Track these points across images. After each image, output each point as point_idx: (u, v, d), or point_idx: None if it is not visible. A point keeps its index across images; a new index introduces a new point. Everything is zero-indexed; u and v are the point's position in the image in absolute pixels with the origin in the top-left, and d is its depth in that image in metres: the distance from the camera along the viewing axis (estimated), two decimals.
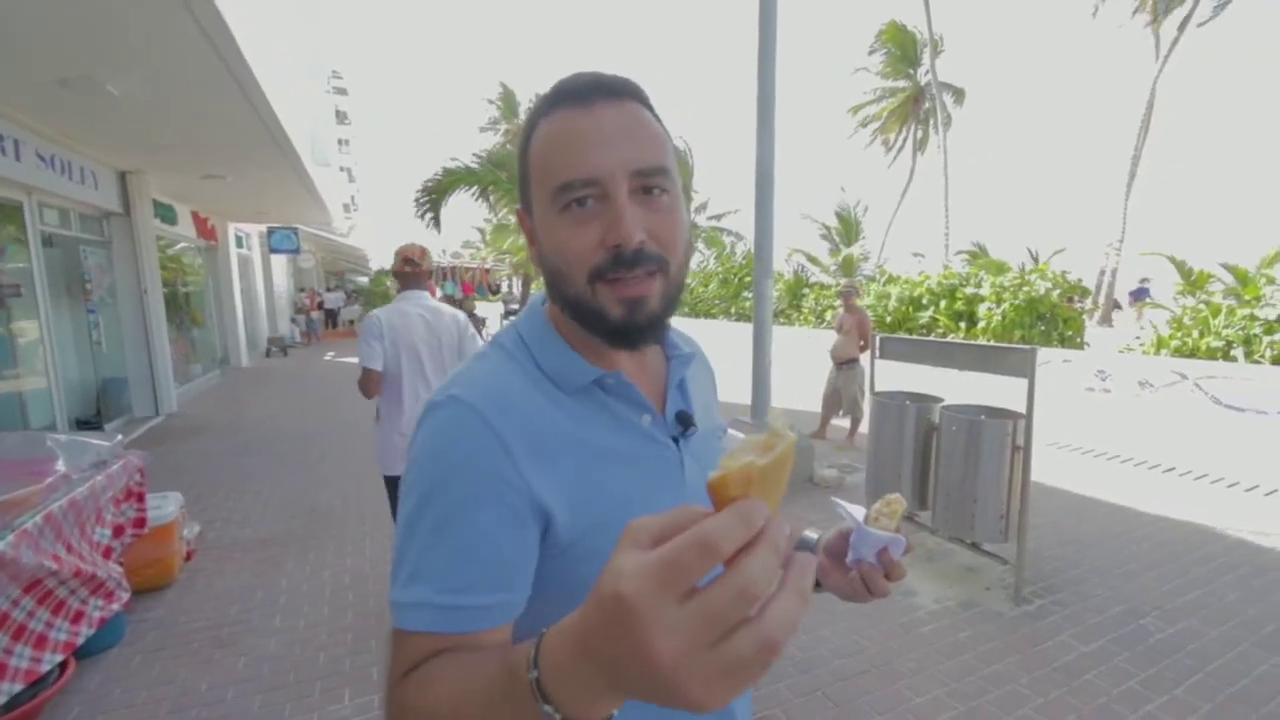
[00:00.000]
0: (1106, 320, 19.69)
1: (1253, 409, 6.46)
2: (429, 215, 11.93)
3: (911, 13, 25.47)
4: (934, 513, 3.37)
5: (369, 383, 2.57)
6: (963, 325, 13.71)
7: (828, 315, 16.29)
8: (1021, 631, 2.74)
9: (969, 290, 13.97)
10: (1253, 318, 7.80)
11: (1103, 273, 20.17)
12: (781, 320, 19.41)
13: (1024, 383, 2.92)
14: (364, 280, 30.34)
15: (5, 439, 2.65)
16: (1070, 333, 12.62)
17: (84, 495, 2.48)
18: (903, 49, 25.33)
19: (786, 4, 4.50)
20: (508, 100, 33.00)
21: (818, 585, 0.75)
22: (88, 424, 6.07)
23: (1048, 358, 10.12)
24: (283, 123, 5.50)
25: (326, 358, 13.85)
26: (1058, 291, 12.67)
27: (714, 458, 0.71)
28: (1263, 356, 7.30)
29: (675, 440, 0.67)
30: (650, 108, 0.62)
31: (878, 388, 3.93)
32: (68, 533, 2.33)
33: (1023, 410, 2.98)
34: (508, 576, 0.56)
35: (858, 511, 0.70)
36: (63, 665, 2.33)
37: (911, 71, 25.87)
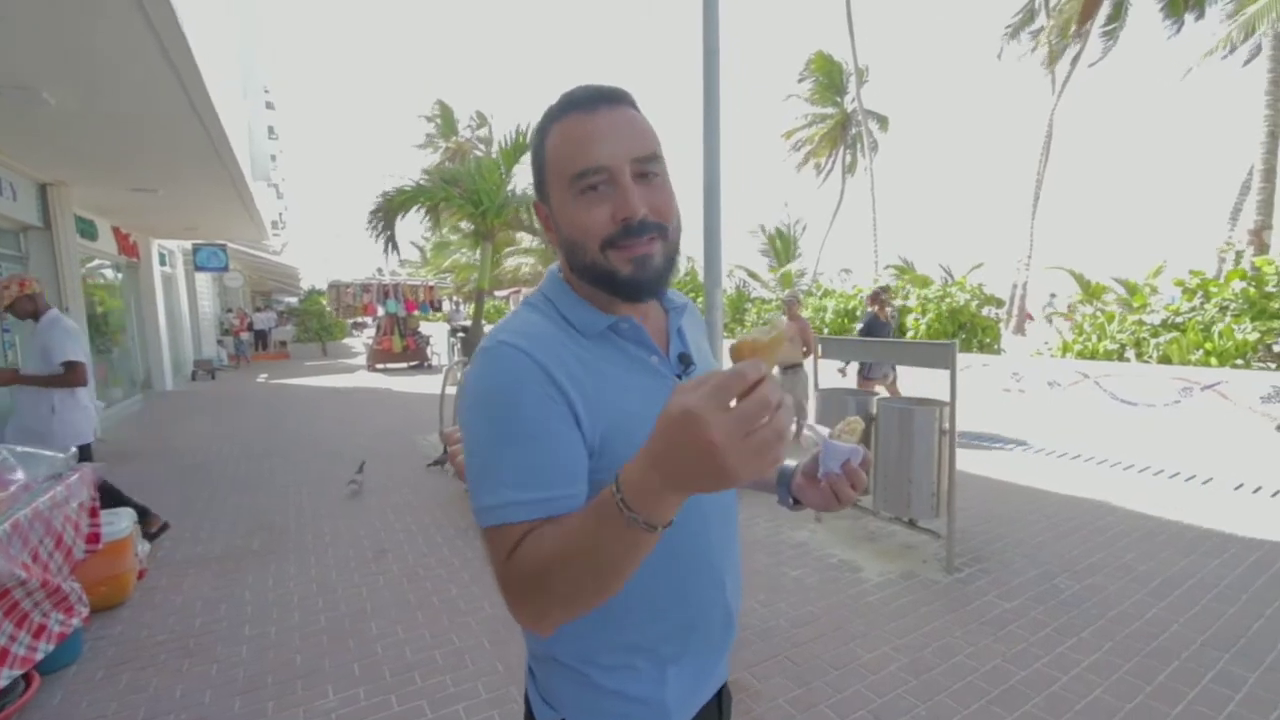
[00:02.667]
0: (1020, 329, 21.30)
1: (1143, 402, 7.27)
2: (385, 236, 11.69)
3: (838, 44, 27.02)
4: (875, 496, 3.69)
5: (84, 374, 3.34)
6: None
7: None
8: (954, 595, 3.05)
9: (898, 302, 14.88)
10: (1141, 323, 8.73)
11: (1015, 286, 21.84)
12: (725, 334, 20.03)
13: (946, 376, 3.28)
14: (294, 300, 29.14)
15: None
16: (988, 340, 13.66)
17: (46, 505, 2.42)
18: (830, 78, 26.85)
19: (727, 24, 4.83)
20: (446, 118, 32.59)
21: (798, 502, 0.94)
22: None
23: (968, 362, 10.93)
24: (229, 138, 5.41)
25: (259, 380, 13.26)
26: (976, 303, 13.69)
27: None
28: (1150, 357, 8.18)
29: (679, 376, 0.84)
30: (638, 109, 0.78)
31: (823, 386, 4.25)
32: (34, 542, 2.29)
33: (947, 399, 3.34)
34: (572, 472, 0.69)
35: (824, 430, 0.88)
36: (26, 680, 2.27)
37: (839, 99, 27.44)
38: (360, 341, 22.62)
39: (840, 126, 27.66)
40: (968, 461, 5.43)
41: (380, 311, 15.19)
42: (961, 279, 15.32)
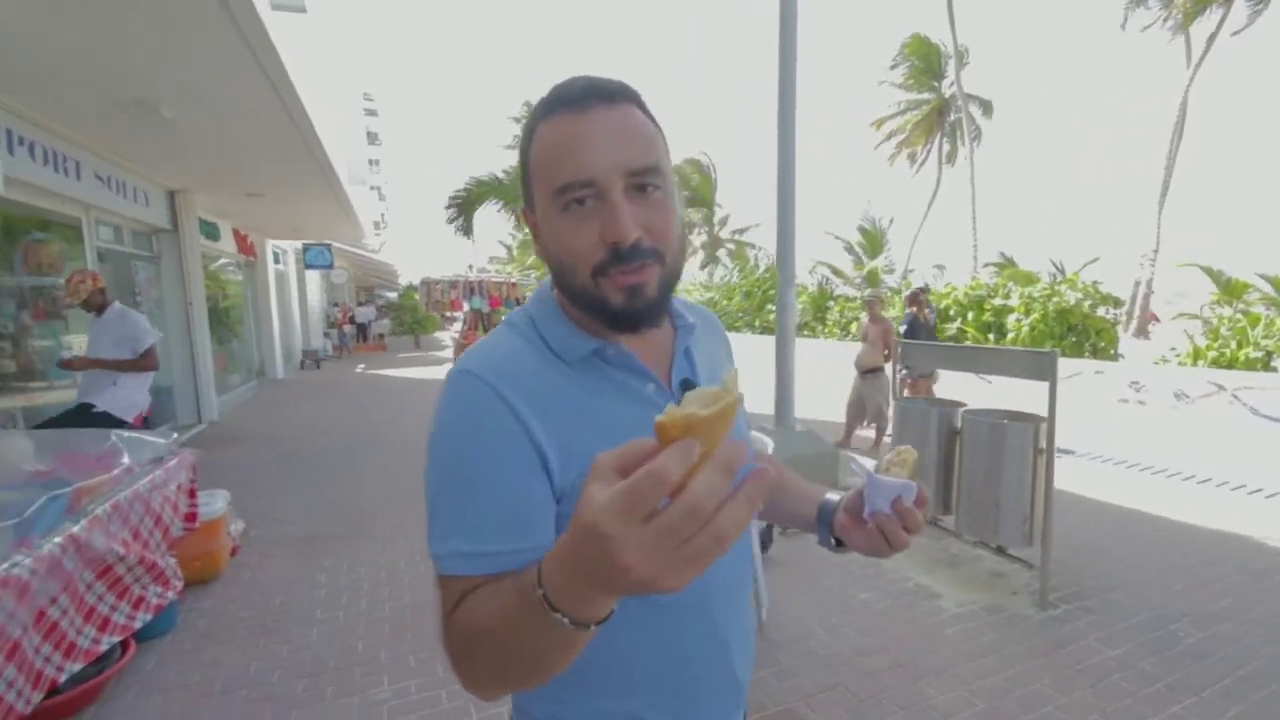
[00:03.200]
0: (1142, 332, 19.21)
1: None
2: (460, 223, 12.25)
3: (936, 25, 25.36)
4: (957, 517, 3.38)
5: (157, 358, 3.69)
6: (991, 337, 13.53)
7: (853, 328, 16.20)
8: (1046, 635, 2.73)
9: (997, 301, 13.79)
10: None
11: (1137, 283, 19.72)
12: (806, 333, 19.33)
13: (1045, 388, 2.94)
14: (393, 295, 31.04)
15: (75, 435, 2.85)
16: (1103, 344, 12.37)
17: (146, 487, 2.65)
18: (926, 62, 25.28)
19: (808, 15, 4.60)
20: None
21: (842, 544, 0.80)
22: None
23: (1079, 369, 9.94)
24: (326, 147, 5.77)
25: (358, 370, 14.22)
26: (1089, 302, 12.45)
27: None
28: None
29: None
30: (644, 108, 0.66)
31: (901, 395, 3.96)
32: (134, 521, 2.50)
33: (1045, 414, 2.99)
34: (529, 523, 0.61)
35: (869, 463, 0.75)
36: (124, 646, 2.49)
37: (936, 84, 25.80)
38: (449, 335, 23.79)
39: (937, 113, 26.00)
40: (1072, 481, 4.91)
41: (466, 307, 15.85)
42: (1073, 275, 13.98)
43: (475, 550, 0.60)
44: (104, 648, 2.35)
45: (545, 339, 0.70)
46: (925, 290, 6.77)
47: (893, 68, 26.11)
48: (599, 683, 0.69)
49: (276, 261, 13.29)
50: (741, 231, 30.72)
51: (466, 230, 12.21)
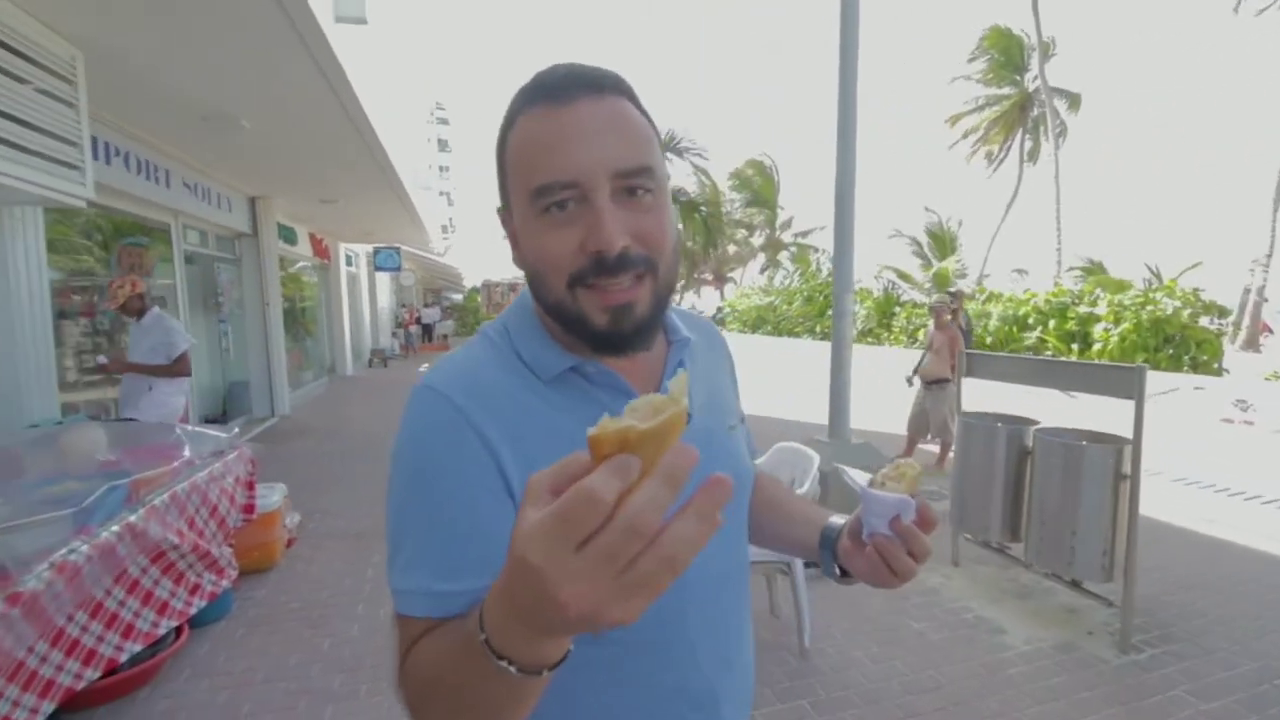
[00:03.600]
0: (1252, 345, 17.45)
1: None
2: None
3: (1018, 15, 23.97)
4: (1027, 545, 3.10)
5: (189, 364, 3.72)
6: (1075, 347, 12.61)
7: (920, 335, 15.47)
8: (1126, 682, 2.45)
9: (1083, 309, 12.85)
10: None
11: (1247, 291, 17.92)
12: (869, 340, 18.63)
13: (1131, 407, 2.65)
14: (458, 297, 32.14)
15: (141, 428, 3.03)
16: (1205, 357, 11.30)
17: (204, 480, 2.78)
18: (1007, 54, 23.94)
19: (877, 14, 4.40)
20: None
21: (847, 574, 0.70)
22: (213, 422, 6.78)
23: (1175, 384, 9.09)
24: (389, 154, 5.99)
25: (422, 369, 14.72)
26: (1189, 311, 11.39)
27: (716, 448, 0.68)
28: None
29: None
30: (636, 102, 0.59)
31: (965, 409, 3.69)
32: (190, 512, 2.62)
33: (1130, 436, 2.70)
34: (485, 560, 0.53)
35: (863, 477, 0.65)
36: (178, 631, 2.61)
37: (1018, 78, 24.37)
38: None
39: (1019, 108, 24.56)
40: (1164, 509, 4.45)
41: None
42: (1170, 282, 12.85)
43: (432, 589, 0.54)
44: (162, 631, 2.48)
45: (519, 353, 0.63)
46: (958, 295, 6.57)
47: (970, 62, 24.86)
48: None
49: (349, 264, 13.98)
50: (805, 234, 30.01)
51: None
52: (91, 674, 2.05)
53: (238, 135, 5.04)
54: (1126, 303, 11.83)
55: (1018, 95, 24.39)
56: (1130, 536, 2.71)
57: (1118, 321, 11.75)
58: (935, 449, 5.88)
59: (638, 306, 0.57)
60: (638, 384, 0.64)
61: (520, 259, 0.62)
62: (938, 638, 2.81)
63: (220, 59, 3.67)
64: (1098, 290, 13.13)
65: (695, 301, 38.45)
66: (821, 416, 4.69)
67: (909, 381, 5.89)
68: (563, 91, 0.55)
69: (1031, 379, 3.29)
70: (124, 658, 2.25)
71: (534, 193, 0.55)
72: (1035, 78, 23.08)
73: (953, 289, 7.59)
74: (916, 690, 2.42)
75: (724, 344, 0.83)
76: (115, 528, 2.13)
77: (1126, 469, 2.71)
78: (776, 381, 11.50)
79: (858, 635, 2.81)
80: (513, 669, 0.39)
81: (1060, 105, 23.15)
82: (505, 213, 0.64)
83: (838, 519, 0.73)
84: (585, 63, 0.59)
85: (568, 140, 0.54)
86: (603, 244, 0.53)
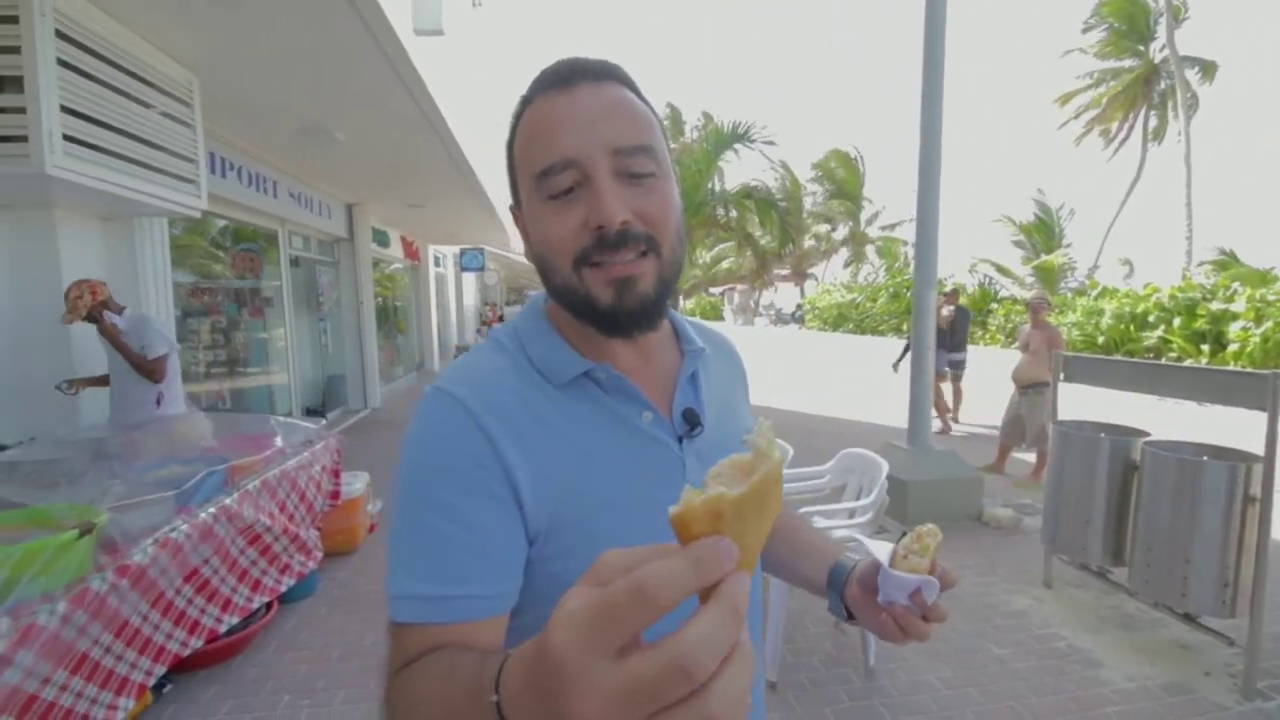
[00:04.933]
0: None
1: None
2: None
3: None
4: (1132, 571, 2.79)
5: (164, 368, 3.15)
6: (1205, 348, 11.26)
7: (1019, 334, 14.38)
8: None
9: (1215, 305, 11.45)
10: None
11: None
12: (981, 343, 17.51)
13: (1264, 419, 2.31)
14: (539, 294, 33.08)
15: (239, 418, 3.32)
16: None
17: (293, 467, 3.00)
18: (1130, 22, 21.67)
19: None
20: (675, 120, 34.06)
21: (853, 618, 0.67)
22: (314, 412, 7.35)
23: None
24: (469, 159, 6.24)
25: None
26: None
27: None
28: None
29: (680, 439, 0.63)
30: (634, 89, 0.60)
31: (1064, 416, 3.36)
32: (281, 496, 2.84)
33: (1260, 452, 2.36)
34: (497, 566, 0.54)
35: (883, 550, 0.62)
36: (269, 606, 2.84)
37: (1141, 48, 22.01)
38: None
39: (1142, 82, 22.17)
40: None
41: None
42: None
43: (431, 593, 0.53)
44: (256, 605, 2.70)
45: (531, 358, 0.63)
46: (954, 295, 7.18)
47: (1085, 32, 22.70)
48: None
49: (437, 265, 14.72)
50: (892, 227, 28.58)
51: None
52: (196, 642, 2.26)
53: (333, 147, 5.41)
54: (1270, 298, 10.42)
55: (1142, 67, 22.03)
56: (1259, 566, 2.37)
57: (1259, 320, 10.38)
58: (1031, 458, 5.43)
59: (640, 282, 0.56)
60: (650, 392, 0.63)
61: (530, 250, 0.63)
62: (1022, 666, 2.58)
63: (312, 75, 3.95)
64: (1235, 284, 11.66)
65: (773, 299, 37.56)
66: (900, 420, 4.44)
67: (895, 369, 5.90)
68: (562, 80, 0.57)
69: (1138, 384, 2.95)
70: (223, 628, 2.47)
71: (538, 176, 0.57)
72: (1163, 47, 20.76)
73: (948, 289, 7.64)
74: None
75: (737, 356, 0.81)
76: (212, 509, 2.33)
77: (1256, 490, 2.37)
78: (856, 382, 11.02)
79: (931, 658, 2.63)
80: None
81: (1192, 76, 20.69)
82: (516, 210, 0.65)
83: (847, 559, 0.71)
84: (587, 56, 0.60)
85: (568, 123, 0.55)
86: (604, 218, 0.54)
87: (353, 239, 8.45)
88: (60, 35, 2.69)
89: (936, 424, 6.59)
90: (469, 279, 19.36)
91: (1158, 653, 2.66)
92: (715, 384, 0.70)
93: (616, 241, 0.54)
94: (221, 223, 5.64)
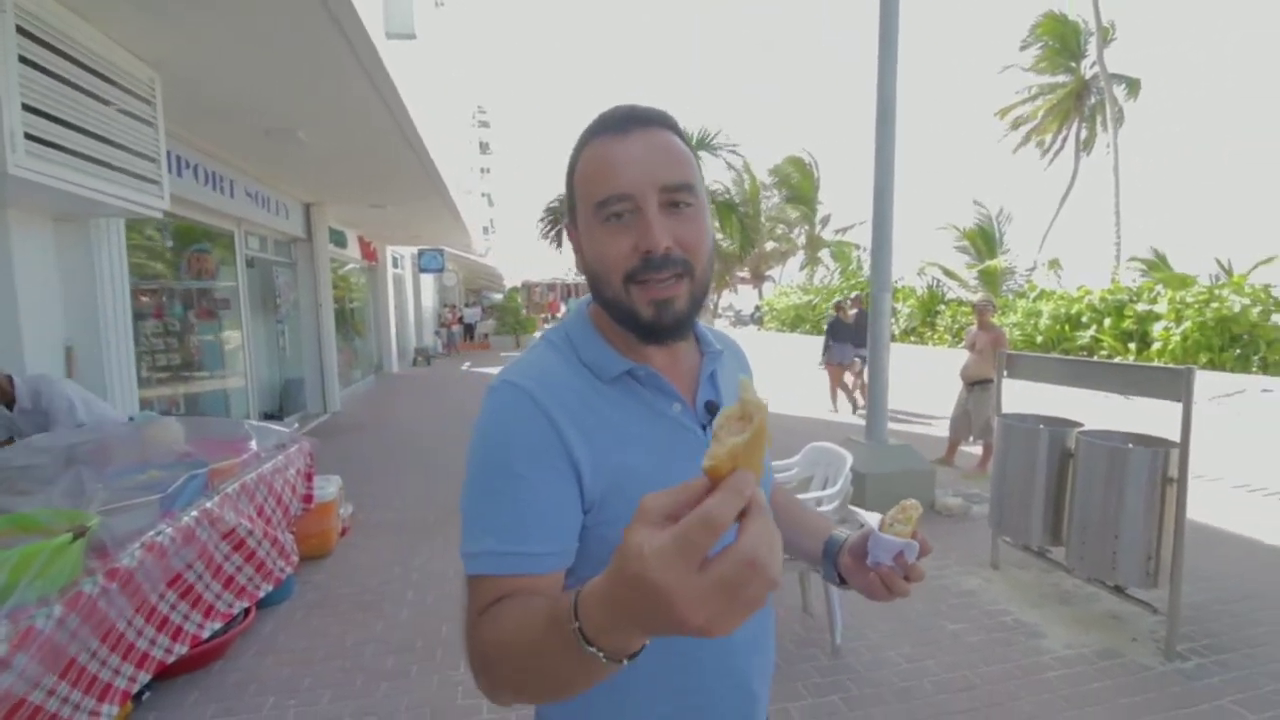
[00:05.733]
0: None
1: None
2: (553, 236, 12.83)
3: (1072, 1, 22.96)
4: (1069, 549, 3.05)
5: None
6: (1132, 347, 12.08)
7: (965, 334, 15.07)
8: (1170, 690, 2.40)
9: (1141, 307, 12.29)
10: None
11: None
12: (913, 339, 18.21)
13: (1181, 409, 2.59)
14: (498, 297, 32.76)
15: (210, 422, 3.27)
16: (1276, 358, 10.67)
17: (270, 471, 2.99)
18: (1063, 41, 22.98)
19: (926, 6, 4.36)
20: None
21: (845, 583, 0.80)
22: (271, 417, 7.17)
23: (1241, 386, 8.66)
24: (435, 161, 6.22)
25: (464, 367, 15.14)
26: (1259, 309, 10.77)
27: None
28: None
29: (704, 427, 0.75)
30: (679, 133, 0.71)
31: (1007, 410, 3.63)
32: (259, 500, 2.83)
33: (1178, 439, 2.63)
34: (558, 528, 0.64)
35: (872, 518, 0.74)
36: (246, 611, 2.82)
37: (1074, 65, 23.37)
38: None
39: (1074, 97, 23.53)
40: (1224, 516, 4.28)
41: (562, 309, 16.44)
42: (1238, 278, 12.16)
43: (507, 550, 0.63)
44: (237, 610, 2.69)
45: (581, 357, 0.74)
46: (841, 305, 8.60)
47: (1022, 49, 23.95)
48: (617, 706, 0.71)
49: (395, 266, 14.46)
50: (844, 231, 29.45)
51: (559, 241, 12.83)
52: (180, 648, 2.25)
53: (296, 147, 5.33)
54: (1189, 300, 11.27)
55: (1074, 83, 23.40)
56: (1177, 542, 2.65)
57: (1179, 320, 11.21)
58: (978, 451, 5.77)
59: (677, 301, 0.68)
60: (678, 387, 0.75)
61: (583, 263, 0.74)
62: (974, 639, 2.80)
63: (283, 77, 3.91)
64: (1158, 287, 12.54)
65: (733, 300, 38.15)
66: (861, 418, 4.67)
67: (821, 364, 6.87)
68: (620, 126, 0.68)
69: (1072, 380, 3.23)
70: (206, 634, 2.45)
71: (597, 205, 0.67)
72: (1093, 64, 22.09)
73: (838, 298, 9.36)
74: (949, 690, 2.43)
75: (744, 355, 0.94)
76: (195, 513, 2.33)
77: (1174, 472, 2.65)
78: (815, 382, 11.38)
79: (893, 636, 2.83)
80: (601, 656, 0.46)
81: (1119, 91, 22.09)
82: (571, 227, 0.76)
83: (839, 533, 0.83)
84: (639, 104, 0.72)
85: (624, 163, 0.66)
86: (651, 244, 0.65)
87: (311, 239, 8.27)
88: (21, 31, 2.63)
89: (848, 404, 8.42)
90: (427, 280, 19.04)
91: (1092, 623, 2.92)
92: (728, 379, 0.83)
93: (660, 264, 0.65)
94: (175, 222, 5.46)
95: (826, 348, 8.46)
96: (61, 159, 2.85)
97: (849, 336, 8.09)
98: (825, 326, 8.71)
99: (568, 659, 0.48)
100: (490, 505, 0.65)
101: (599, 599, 0.45)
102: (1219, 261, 15.99)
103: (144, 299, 5.16)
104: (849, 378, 8.39)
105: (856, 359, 8.14)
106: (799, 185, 27.51)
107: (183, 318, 5.62)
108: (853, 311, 8.45)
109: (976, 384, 5.56)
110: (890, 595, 0.73)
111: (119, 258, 3.91)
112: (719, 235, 15.11)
